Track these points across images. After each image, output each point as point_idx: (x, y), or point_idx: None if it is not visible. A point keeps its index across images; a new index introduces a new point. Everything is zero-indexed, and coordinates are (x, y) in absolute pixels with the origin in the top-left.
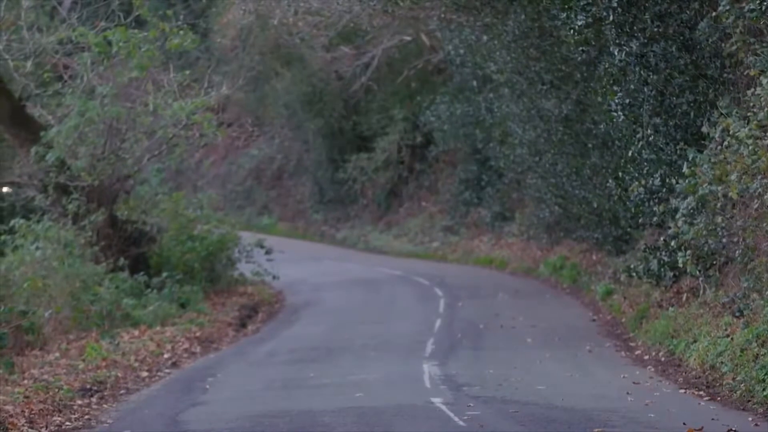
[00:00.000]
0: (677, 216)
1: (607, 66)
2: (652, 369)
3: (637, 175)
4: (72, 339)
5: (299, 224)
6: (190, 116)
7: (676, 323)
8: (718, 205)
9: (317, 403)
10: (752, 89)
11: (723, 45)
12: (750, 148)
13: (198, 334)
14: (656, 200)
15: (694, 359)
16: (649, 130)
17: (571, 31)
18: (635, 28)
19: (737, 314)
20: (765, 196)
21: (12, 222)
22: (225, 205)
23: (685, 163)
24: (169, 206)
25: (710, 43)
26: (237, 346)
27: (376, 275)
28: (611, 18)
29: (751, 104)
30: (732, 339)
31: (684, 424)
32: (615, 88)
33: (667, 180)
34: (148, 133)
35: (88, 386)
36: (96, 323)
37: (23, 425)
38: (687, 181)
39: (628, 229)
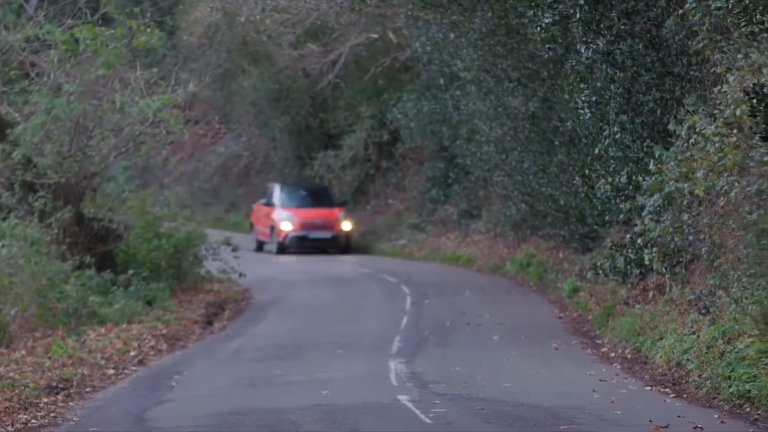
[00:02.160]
0: (644, 213)
1: (573, 64)
2: (619, 366)
3: (603, 172)
4: (38, 337)
5: None
6: (157, 114)
7: (643, 320)
8: (685, 202)
9: (284, 401)
10: (719, 87)
11: (689, 43)
12: (716, 145)
13: (164, 331)
14: (623, 197)
15: (661, 356)
16: (615, 128)
17: (538, 28)
18: (602, 25)
19: (703, 311)
20: (731, 194)
21: None
22: (192, 202)
23: (652, 160)
24: (135, 204)
25: (677, 40)
26: (204, 343)
27: (343, 273)
28: (578, 15)
29: (718, 102)
30: (698, 336)
31: (650, 421)
32: (582, 85)
33: (634, 177)
34: (115, 131)
35: (55, 384)
36: (62, 321)
37: None
38: (653, 178)
39: (595, 227)
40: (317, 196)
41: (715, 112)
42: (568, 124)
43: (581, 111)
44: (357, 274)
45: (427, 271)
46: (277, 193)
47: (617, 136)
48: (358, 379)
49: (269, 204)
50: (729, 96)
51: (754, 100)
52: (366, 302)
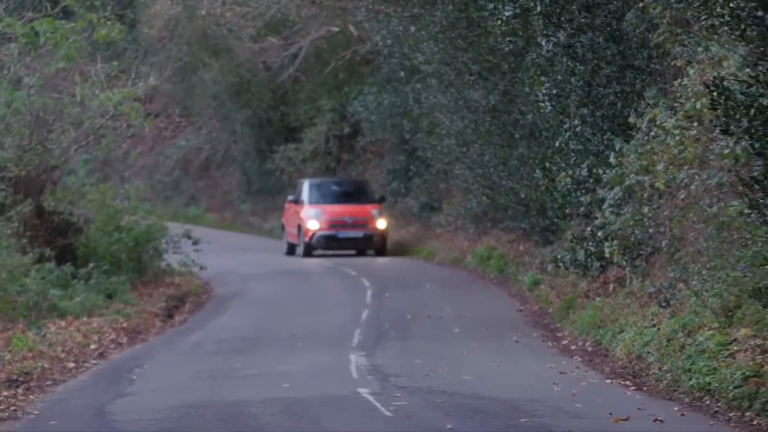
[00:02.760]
0: (604, 206)
1: (534, 57)
2: (579, 359)
3: (564, 165)
4: None
5: (227, 215)
6: (117, 107)
7: (603, 313)
8: (645, 195)
9: (244, 394)
10: (679, 80)
11: (650, 36)
12: (677, 138)
13: (125, 324)
14: (583, 190)
15: (621, 349)
16: (576, 121)
17: (499, 21)
18: (562, 18)
19: (664, 304)
20: (691, 187)
21: None
22: (152, 195)
23: (612, 153)
24: (96, 197)
25: (637, 33)
26: (164, 336)
27: (303, 266)
28: (538, 9)
29: (678, 95)
30: (658, 329)
31: (610, 413)
32: (542, 78)
33: (594, 170)
34: (76, 124)
35: (14, 377)
36: (22, 314)
37: None
38: (614, 171)
39: (555, 220)
40: (351, 191)
41: (675, 105)
42: (529, 117)
43: (542, 104)
44: (317, 267)
45: (387, 265)
46: (306, 189)
47: (578, 129)
48: (318, 372)
49: (297, 201)
50: (689, 89)
51: (714, 93)
52: (326, 295)
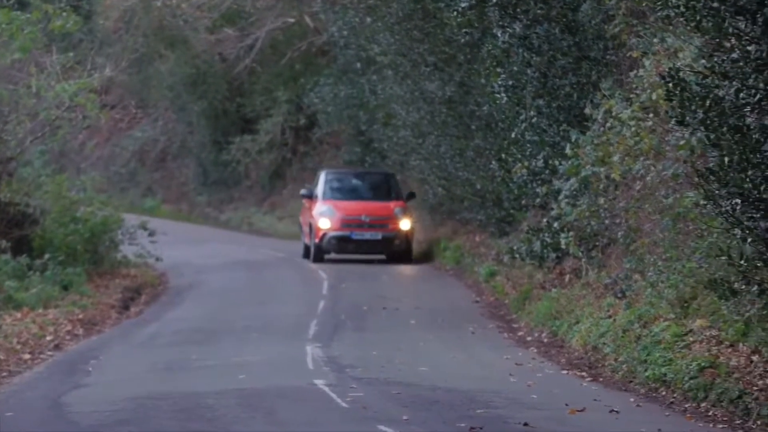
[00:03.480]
0: (560, 197)
1: (490, 48)
2: (535, 350)
3: (520, 156)
4: None
5: (183, 206)
6: (73, 98)
7: (559, 304)
8: (601, 186)
9: (200, 385)
10: (635, 71)
11: (606, 27)
12: (632, 129)
13: (81, 316)
14: (539, 182)
15: (577, 340)
16: (532, 112)
17: (455, 12)
18: (518, 9)
19: (619, 295)
20: (647, 178)
21: None
22: (108, 187)
23: (568, 144)
24: (52, 188)
25: (593, 24)
26: (120, 328)
27: (260, 257)
28: (494, 0)
29: (634, 86)
30: (614, 320)
31: (566, 404)
32: (498, 69)
33: (550, 161)
34: (31, 115)
35: None
36: None
37: None
38: (570, 162)
39: (512, 211)
40: (374, 185)
41: (631, 96)
42: (485, 108)
43: (498, 95)
44: (273, 258)
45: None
46: (321, 182)
47: (534, 121)
48: (274, 363)
49: (310, 196)
50: (645, 80)
51: (670, 84)
52: (282, 286)
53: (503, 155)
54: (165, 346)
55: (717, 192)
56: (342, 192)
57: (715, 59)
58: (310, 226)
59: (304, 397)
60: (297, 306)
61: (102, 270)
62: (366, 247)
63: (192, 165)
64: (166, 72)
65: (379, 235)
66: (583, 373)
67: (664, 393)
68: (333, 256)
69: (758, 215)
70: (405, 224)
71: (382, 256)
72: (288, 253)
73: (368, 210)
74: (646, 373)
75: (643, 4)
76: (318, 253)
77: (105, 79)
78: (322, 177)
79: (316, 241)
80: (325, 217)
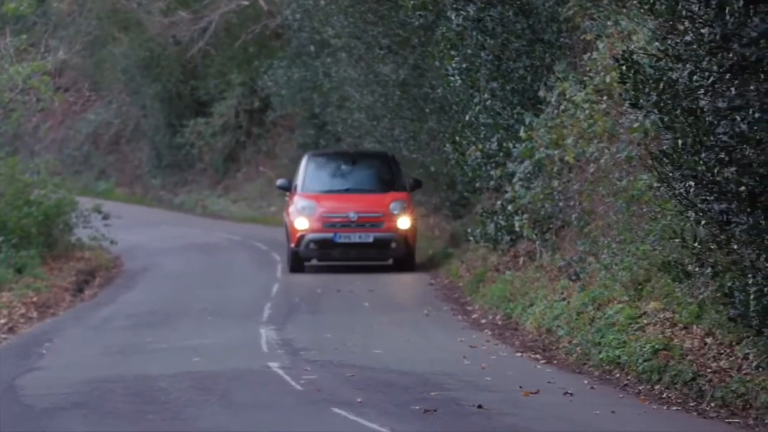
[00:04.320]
0: (514, 180)
1: (444, 31)
2: (489, 333)
3: (474, 139)
4: None
5: (137, 189)
6: (26, 81)
7: (513, 287)
8: (555, 169)
9: (154, 368)
10: (588, 54)
11: (559, 9)
12: (586, 112)
13: (35, 299)
14: (493, 164)
15: (531, 323)
16: (486, 95)
17: None
18: None
19: (573, 278)
20: (601, 160)
21: None
22: (62, 170)
23: (522, 127)
24: (5, 171)
25: (547, 7)
26: (74, 311)
27: (214, 240)
28: None
29: (588, 69)
30: (568, 303)
31: (520, 387)
32: (452, 52)
33: (504, 144)
34: None
35: None
36: None
37: None
38: (524, 145)
39: (466, 194)
40: (367, 172)
41: (584, 78)
42: (439, 90)
43: (452, 78)
44: (227, 242)
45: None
46: (302, 169)
47: (488, 103)
48: (228, 346)
49: (289, 188)
50: (599, 63)
51: (624, 67)
52: (237, 269)
53: (457, 138)
54: (119, 329)
55: (671, 174)
56: (327, 182)
57: (669, 42)
58: (287, 227)
59: (258, 379)
60: (251, 289)
61: (56, 253)
62: (354, 253)
63: (146, 148)
64: (119, 55)
65: (370, 237)
66: (537, 356)
67: (618, 375)
68: (315, 263)
69: (712, 198)
70: (404, 222)
71: (380, 262)
72: (242, 237)
73: (357, 205)
74: (600, 356)
75: None
76: (295, 260)
77: (59, 62)
78: (303, 162)
79: (293, 246)
80: (302, 216)
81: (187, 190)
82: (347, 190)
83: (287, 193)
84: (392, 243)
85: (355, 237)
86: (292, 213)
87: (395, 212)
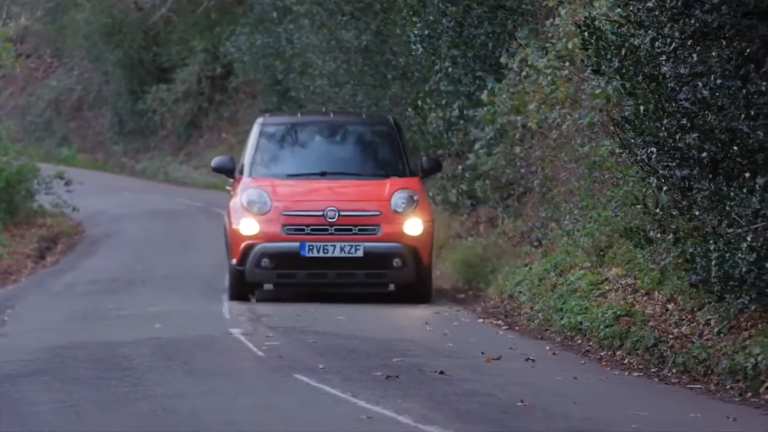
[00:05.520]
0: (476, 146)
1: None
2: (451, 299)
3: (435, 106)
4: None
5: (99, 156)
6: None
7: (475, 253)
8: (517, 135)
9: (116, 335)
10: (551, 20)
11: None
12: (548, 78)
13: None
14: (455, 131)
15: (493, 289)
16: (447, 62)
17: None
18: None
19: (535, 244)
20: (563, 126)
21: None
22: (24, 136)
23: (484, 93)
24: None
25: None
26: (36, 277)
27: (176, 207)
28: None
29: (550, 35)
30: (530, 269)
31: (482, 353)
32: (414, 19)
33: (466, 111)
34: None
35: None
36: None
37: None
38: (485, 111)
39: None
40: (353, 149)
41: (546, 45)
42: (401, 57)
43: (414, 45)
44: (190, 208)
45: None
46: (252, 144)
47: (449, 70)
48: (190, 312)
49: (232, 170)
50: (561, 29)
51: (586, 33)
52: (199, 236)
53: (419, 104)
54: (81, 296)
55: (632, 141)
56: (290, 162)
57: (631, 8)
58: (226, 231)
59: (220, 346)
60: (214, 256)
61: (18, 220)
62: (332, 275)
63: (108, 114)
64: (81, 21)
65: (359, 249)
66: (499, 322)
67: (579, 341)
68: (271, 289)
69: (674, 164)
70: (413, 226)
71: (374, 289)
72: (204, 203)
73: (338, 197)
74: (562, 322)
75: None
76: (238, 284)
77: (20, 28)
78: (254, 133)
79: (234, 262)
80: (250, 215)
81: (149, 156)
82: (322, 175)
83: (230, 181)
84: (395, 259)
85: (335, 249)
86: (234, 210)
87: (400, 209)
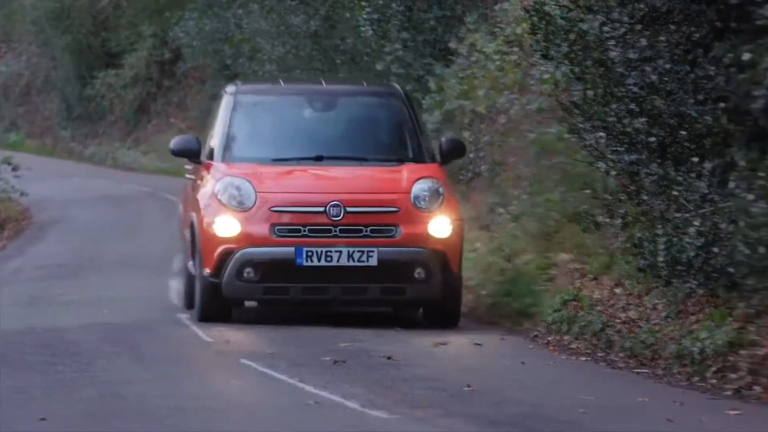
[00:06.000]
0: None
1: None
2: None
3: None
4: None
5: (48, 141)
6: None
7: None
8: (466, 120)
9: (64, 320)
10: (499, 5)
11: None
12: (497, 63)
13: None
14: None
15: None
16: (397, 45)
17: None
18: None
19: (483, 229)
20: (512, 111)
21: None
22: None
23: (433, 78)
24: None
25: None
26: None
27: (124, 192)
28: None
29: (499, 20)
30: (478, 253)
31: (433, 340)
32: (363, 3)
33: (415, 95)
34: None
35: None
36: None
37: None
38: (434, 96)
39: None
40: (357, 126)
41: (495, 30)
42: (350, 41)
43: (363, 29)
44: (138, 193)
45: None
46: (223, 119)
47: (399, 54)
48: (137, 298)
49: (197, 154)
50: (510, 14)
51: (534, 18)
52: (147, 221)
53: None
54: (28, 281)
55: (581, 125)
56: (277, 142)
57: None
58: (193, 231)
59: (167, 331)
60: (161, 241)
61: None
62: (336, 289)
63: (56, 100)
64: (29, 6)
65: (371, 256)
66: None
67: (527, 326)
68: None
69: (622, 149)
70: (440, 226)
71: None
72: (152, 188)
73: (343, 187)
74: (510, 307)
75: None
76: (212, 301)
77: None
78: (225, 105)
79: (208, 272)
80: (228, 211)
81: (97, 142)
82: (318, 160)
83: (191, 167)
84: (417, 269)
85: (342, 255)
86: (205, 205)
87: (423, 205)
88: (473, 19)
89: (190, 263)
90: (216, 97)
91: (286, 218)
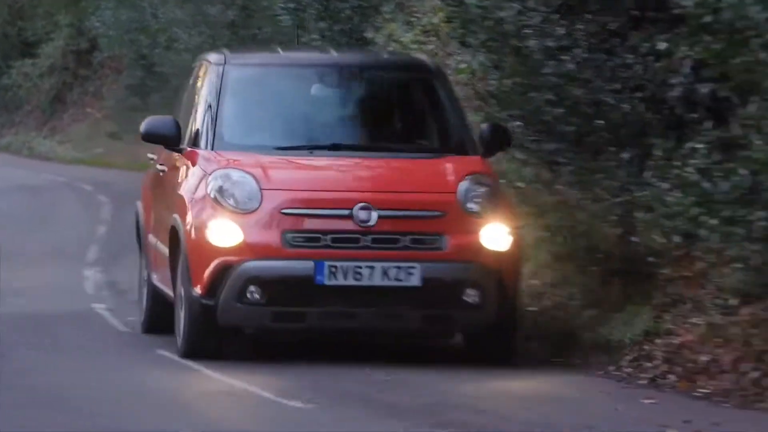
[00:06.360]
0: None
1: None
2: None
3: None
4: None
5: None
6: None
7: None
8: None
9: None
10: None
11: None
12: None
13: None
14: None
15: None
16: (314, 35)
17: None
18: None
19: None
20: None
21: None
22: None
23: None
24: None
25: None
26: None
27: (40, 182)
28: None
29: (415, 9)
30: None
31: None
32: None
33: None
34: None
35: None
36: None
37: None
38: None
39: None
40: (384, 107)
41: (412, 20)
42: (267, 30)
43: (280, 17)
44: (54, 183)
45: (125, 180)
46: (208, 95)
47: (316, 44)
48: (53, 288)
49: (174, 139)
50: (426, 4)
51: (450, 7)
52: (62, 211)
53: None
54: None
55: (498, 115)
56: (278, 126)
57: None
58: (176, 238)
59: (82, 321)
60: (77, 230)
61: None
62: (367, 315)
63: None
64: None
65: (412, 273)
66: None
67: None
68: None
69: (540, 138)
70: (496, 235)
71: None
72: (68, 178)
73: (375, 183)
74: None
75: None
76: (203, 328)
77: None
78: (212, 79)
79: (198, 292)
80: (224, 213)
81: (13, 131)
82: (333, 149)
83: (161, 156)
84: (467, 290)
85: (374, 272)
86: (193, 205)
87: (474, 208)
88: (390, 9)
89: (155, 276)
90: (192, 69)
91: (301, 223)
